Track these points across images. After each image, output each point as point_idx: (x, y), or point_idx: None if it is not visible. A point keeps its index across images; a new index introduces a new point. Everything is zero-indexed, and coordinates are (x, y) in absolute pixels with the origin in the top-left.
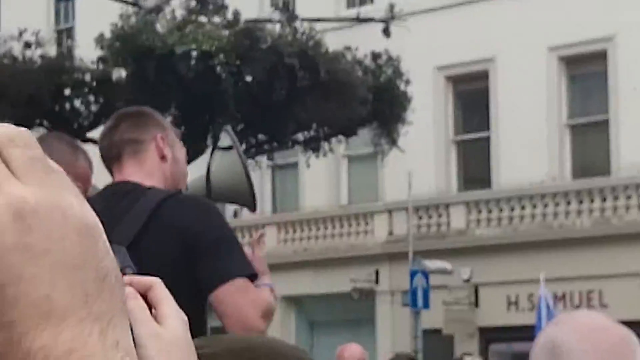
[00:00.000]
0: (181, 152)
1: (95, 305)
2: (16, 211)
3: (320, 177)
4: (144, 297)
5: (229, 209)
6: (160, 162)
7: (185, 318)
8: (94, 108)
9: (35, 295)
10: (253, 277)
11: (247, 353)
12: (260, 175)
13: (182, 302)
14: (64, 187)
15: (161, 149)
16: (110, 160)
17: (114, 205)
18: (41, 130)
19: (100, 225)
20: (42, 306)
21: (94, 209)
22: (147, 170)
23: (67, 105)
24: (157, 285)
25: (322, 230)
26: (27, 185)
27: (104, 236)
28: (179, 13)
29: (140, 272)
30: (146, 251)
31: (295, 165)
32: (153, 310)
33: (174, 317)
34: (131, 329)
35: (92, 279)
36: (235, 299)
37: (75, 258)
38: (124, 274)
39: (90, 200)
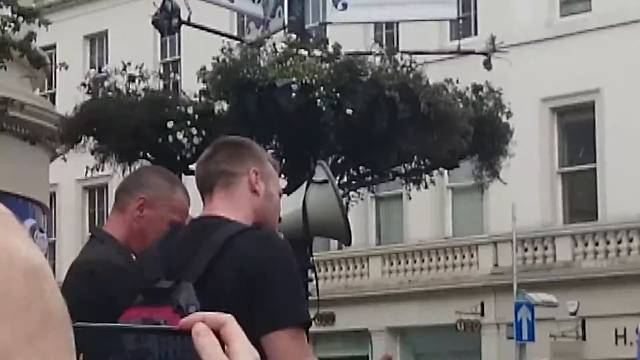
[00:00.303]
0: (276, 186)
1: (41, 345)
2: None
3: (425, 208)
4: (217, 333)
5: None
6: (251, 196)
7: (257, 355)
8: (196, 141)
9: None
10: (308, 325)
11: None
12: (365, 207)
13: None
14: (9, 229)
15: (253, 184)
16: (203, 190)
17: (193, 241)
18: (144, 163)
19: (47, 266)
20: None
21: (174, 244)
22: (235, 204)
23: (170, 138)
24: (229, 322)
25: (427, 261)
26: None
27: (52, 276)
28: (280, 46)
29: (206, 308)
30: (213, 286)
31: (399, 196)
32: (225, 347)
33: (245, 354)
34: None
35: (37, 319)
36: (286, 347)
37: (21, 299)
38: (188, 312)
39: (173, 234)
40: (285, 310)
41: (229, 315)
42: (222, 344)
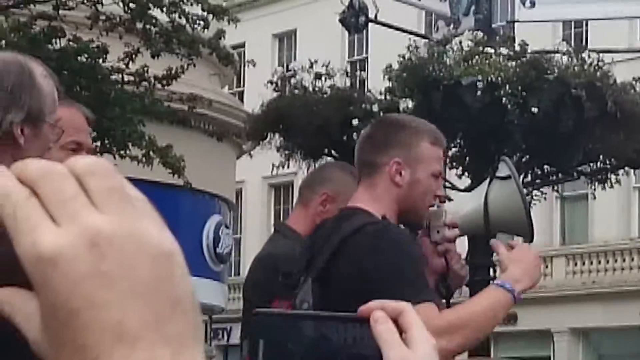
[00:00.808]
0: (426, 170)
1: (167, 329)
2: (92, 240)
3: (611, 209)
4: (395, 321)
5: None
6: (392, 187)
7: (435, 343)
8: None
9: (108, 320)
10: (429, 300)
11: None
12: (549, 207)
13: None
14: (142, 215)
15: (393, 176)
16: (358, 175)
17: (327, 234)
18: (329, 160)
19: (179, 252)
20: (114, 330)
21: (317, 235)
22: (375, 195)
23: (355, 136)
24: (408, 311)
25: (612, 262)
26: (104, 215)
27: (182, 262)
28: (466, 44)
29: (323, 303)
30: (331, 283)
31: (584, 196)
32: (403, 335)
33: (423, 342)
34: (380, 354)
35: (164, 304)
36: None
37: (147, 284)
38: (301, 308)
39: (320, 226)
40: (402, 292)
41: (408, 303)
42: (400, 332)
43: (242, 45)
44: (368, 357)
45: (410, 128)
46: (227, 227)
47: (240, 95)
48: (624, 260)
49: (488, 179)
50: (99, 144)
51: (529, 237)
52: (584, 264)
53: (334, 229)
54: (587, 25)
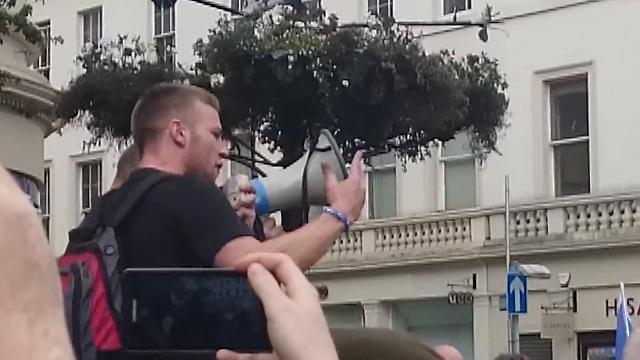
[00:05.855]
0: (204, 126)
1: (24, 295)
2: None
3: (418, 181)
4: (273, 273)
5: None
6: (175, 148)
7: (316, 292)
8: None
9: None
10: (249, 235)
11: (360, 347)
12: None
13: None
14: None
15: (174, 136)
16: (138, 146)
17: (123, 190)
18: None
19: (34, 213)
20: None
21: (112, 198)
22: (162, 159)
23: None
24: (285, 262)
25: (420, 235)
26: None
27: (38, 224)
28: (276, 18)
29: (129, 249)
30: (135, 231)
31: (393, 170)
32: (282, 286)
33: (304, 291)
34: (261, 305)
35: (20, 269)
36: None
37: (1, 249)
38: (106, 253)
39: (112, 191)
40: (215, 235)
41: (285, 255)
42: (279, 282)
43: (47, 23)
44: (249, 310)
45: (180, 90)
46: (36, 206)
47: (46, 73)
48: (431, 232)
49: (308, 152)
50: None
51: None
52: (392, 236)
53: (131, 186)
54: (392, 0)
